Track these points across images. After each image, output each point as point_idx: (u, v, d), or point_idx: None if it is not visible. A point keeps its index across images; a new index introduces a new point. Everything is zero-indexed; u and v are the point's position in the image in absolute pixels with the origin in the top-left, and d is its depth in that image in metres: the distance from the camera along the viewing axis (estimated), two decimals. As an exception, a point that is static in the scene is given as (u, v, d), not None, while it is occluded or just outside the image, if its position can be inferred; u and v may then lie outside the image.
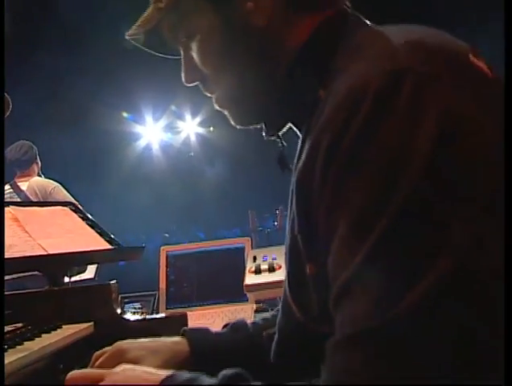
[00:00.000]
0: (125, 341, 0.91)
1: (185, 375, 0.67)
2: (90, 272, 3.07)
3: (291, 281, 0.72)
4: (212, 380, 0.64)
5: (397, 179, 0.52)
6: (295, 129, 0.80)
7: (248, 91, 0.79)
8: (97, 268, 3.31)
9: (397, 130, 0.54)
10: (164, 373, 0.69)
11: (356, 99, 0.56)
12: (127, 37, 0.83)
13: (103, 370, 0.77)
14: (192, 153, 8.27)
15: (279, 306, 0.83)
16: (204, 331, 0.96)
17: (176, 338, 0.93)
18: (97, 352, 0.92)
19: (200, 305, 1.79)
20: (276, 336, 0.82)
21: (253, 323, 0.98)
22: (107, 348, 0.91)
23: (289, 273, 0.72)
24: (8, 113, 1.21)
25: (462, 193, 0.52)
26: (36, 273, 3.04)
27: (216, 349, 0.92)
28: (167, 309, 1.83)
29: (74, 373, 0.75)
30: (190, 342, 0.92)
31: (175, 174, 7.79)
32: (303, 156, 0.63)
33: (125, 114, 7.28)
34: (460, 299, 0.49)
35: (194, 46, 0.78)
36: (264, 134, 0.84)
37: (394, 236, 0.51)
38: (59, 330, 1.19)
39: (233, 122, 0.83)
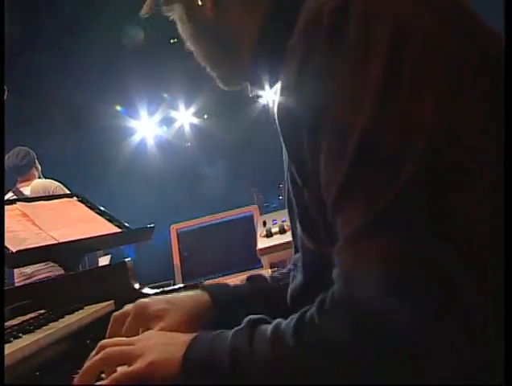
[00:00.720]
0: (144, 298, 0.92)
1: (209, 334, 0.70)
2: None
3: (299, 213, 0.73)
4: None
5: (359, 104, 0.57)
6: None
7: (222, 63, 0.85)
8: (110, 262, 3.34)
9: (353, 56, 0.58)
10: (189, 336, 0.71)
11: (313, 27, 0.61)
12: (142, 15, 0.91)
13: (131, 338, 0.78)
14: (189, 144, 8.27)
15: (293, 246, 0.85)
16: (223, 284, 0.98)
17: (197, 291, 0.95)
18: (116, 313, 0.91)
19: (216, 277, 1.81)
20: (292, 275, 0.84)
21: (271, 276, 1.00)
22: (127, 308, 0.91)
23: (294, 205, 0.74)
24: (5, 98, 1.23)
25: (419, 107, 0.56)
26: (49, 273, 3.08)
27: (237, 297, 0.94)
28: (183, 285, 1.85)
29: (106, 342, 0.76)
30: (210, 293, 0.93)
31: (173, 166, 7.79)
32: (279, 91, 0.68)
33: (119, 108, 7.25)
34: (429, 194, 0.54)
35: None
36: (249, 92, 0.89)
37: (366, 150, 0.56)
38: (81, 311, 1.21)
39: (220, 84, 0.88)
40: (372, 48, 0.57)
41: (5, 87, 1.21)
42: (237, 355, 0.63)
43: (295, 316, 0.63)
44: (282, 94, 0.67)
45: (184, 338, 0.70)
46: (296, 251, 0.85)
